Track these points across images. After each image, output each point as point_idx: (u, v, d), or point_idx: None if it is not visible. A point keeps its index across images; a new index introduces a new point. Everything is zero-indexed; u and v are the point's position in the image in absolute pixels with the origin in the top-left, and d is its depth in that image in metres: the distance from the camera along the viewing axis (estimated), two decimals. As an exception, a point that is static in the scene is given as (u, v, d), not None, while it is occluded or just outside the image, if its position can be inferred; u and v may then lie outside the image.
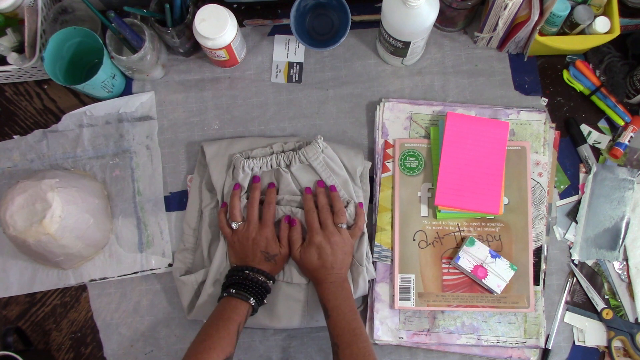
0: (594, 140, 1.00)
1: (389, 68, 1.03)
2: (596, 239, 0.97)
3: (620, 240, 0.97)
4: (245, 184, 0.94)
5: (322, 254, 0.88)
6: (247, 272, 0.88)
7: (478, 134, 0.95)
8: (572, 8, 0.93)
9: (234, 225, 0.92)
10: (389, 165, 0.98)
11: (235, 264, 0.92)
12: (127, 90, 1.03)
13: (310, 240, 0.90)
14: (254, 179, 0.94)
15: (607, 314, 0.95)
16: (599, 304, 0.95)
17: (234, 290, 0.85)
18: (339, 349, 0.81)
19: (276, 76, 1.03)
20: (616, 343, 0.94)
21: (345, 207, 0.93)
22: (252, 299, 0.85)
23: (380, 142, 0.99)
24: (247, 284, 0.86)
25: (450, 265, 0.95)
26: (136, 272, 0.98)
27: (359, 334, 0.82)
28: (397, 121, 0.99)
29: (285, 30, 1.04)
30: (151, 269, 0.98)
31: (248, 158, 0.95)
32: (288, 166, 0.94)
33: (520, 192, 0.96)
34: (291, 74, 1.03)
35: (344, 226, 0.91)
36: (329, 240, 0.89)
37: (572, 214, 0.98)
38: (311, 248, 0.89)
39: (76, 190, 0.93)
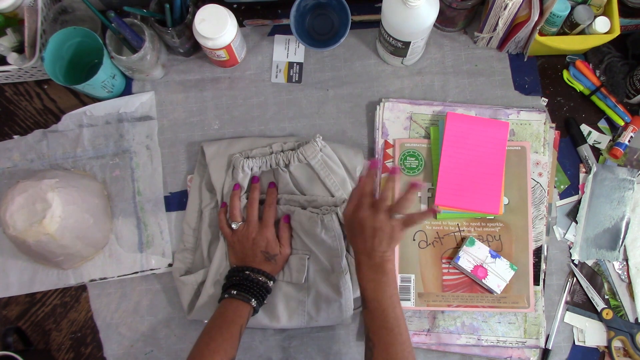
0: (594, 140, 1.00)
1: (389, 68, 1.03)
2: (596, 239, 0.97)
3: (620, 240, 0.97)
4: (245, 184, 0.94)
5: (364, 232, 0.79)
6: (247, 272, 0.88)
7: (478, 134, 0.95)
8: (572, 8, 0.93)
9: (234, 226, 0.92)
10: (389, 165, 0.98)
11: (235, 265, 0.92)
12: (127, 90, 1.03)
13: (356, 212, 0.80)
14: (253, 179, 0.94)
15: (607, 314, 0.95)
16: (599, 304, 0.95)
17: (235, 292, 0.85)
18: (375, 348, 0.76)
19: (276, 76, 1.03)
20: (616, 343, 0.95)
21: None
22: (253, 300, 0.85)
23: (380, 142, 0.99)
24: (247, 284, 0.86)
25: (450, 265, 0.95)
26: (136, 272, 0.98)
27: (398, 332, 0.76)
28: (397, 121, 0.99)
29: (285, 30, 1.04)
30: (151, 269, 0.98)
31: (247, 158, 0.95)
32: (287, 165, 0.94)
33: (520, 192, 0.96)
34: (291, 74, 1.03)
35: (398, 216, 0.80)
36: (374, 221, 0.78)
37: (572, 214, 0.98)
38: (355, 220, 0.80)
39: (76, 190, 0.93)
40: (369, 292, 0.78)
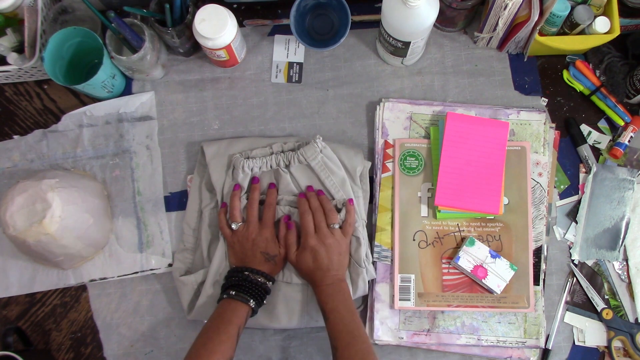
0: (594, 140, 1.00)
1: (389, 68, 1.03)
2: (596, 239, 0.97)
3: (620, 240, 0.97)
4: (245, 185, 0.94)
5: (317, 257, 0.88)
6: (246, 273, 0.88)
7: (478, 134, 0.95)
8: (572, 8, 0.93)
9: (233, 226, 0.92)
10: (389, 165, 0.98)
11: (234, 265, 0.92)
12: (127, 90, 1.03)
13: (305, 244, 0.89)
14: (253, 180, 0.94)
15: (607, 314, 0.95)
16: (599, 304, 0.95)
17: (233, 292, 0.85)
18: (337, 352, 0.80)
19: (276, 76, 1.03)
20: (616, 343, 0.95)
21: (342, 207, 0.93)
22: (252, 300, 0.85)
23: (380, 142, 0.99)
24: (246, 285, 0.86)
25: (450, 265, 0.95)
26: (136, 272, 0.98)
27: (357, 335, 0.81)
28: (397, 121, 0.99)
29: (285, 30, 1.04)
30: (151, 269, 0.97)
31: (248, 158, 0.95)
32: (287, 166, 0.94)
33: (520, 192, 0.96)
34: (291, 74, 1.03)
35: (337, 226, 0.91)
36: (323, 243, 0.89)
37: (572, 214, 0.98)
38: (306, 252, 0.89)
39: (76, 190, 0.93)
40: (328, 305, 0.85)
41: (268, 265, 0.90)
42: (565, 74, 1.02)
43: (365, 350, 0.80)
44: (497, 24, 0.94)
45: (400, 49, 0.95)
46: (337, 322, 0.83)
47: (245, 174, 0.94)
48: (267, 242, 0.90)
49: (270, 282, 0.89)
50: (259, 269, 0.89)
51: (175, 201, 1.00)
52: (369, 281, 0.94)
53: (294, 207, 0.94)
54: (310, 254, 0.88)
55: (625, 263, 0.96)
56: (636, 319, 0.95)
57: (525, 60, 1.02)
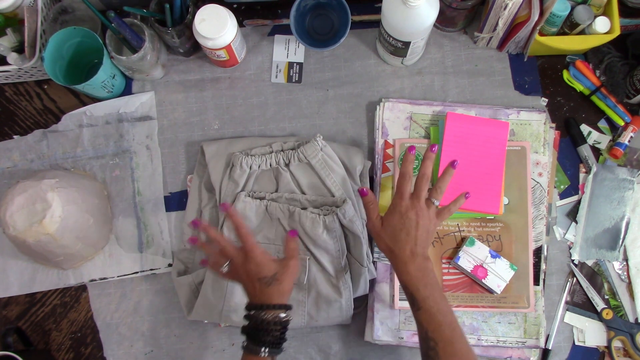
0: (594, 140, 1.00)
1: (389, 68, 1.03)
2: (596, 239, 0.97)
3: (620, 240, 0.97)
4: (242, 182, 0.94)
5: (406, 224, 0.80)
6: (252, 312, 0.78)
7: (478, 134, 0.95)
8: (572, 8, 0.93)
9: (224, 269, 0.83)
10: (389, 165, 0.98)
11: (248, 302, 0.81)
12: (127, 90, 1.04)
13: (396, 206, 0.82)
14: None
15: (607, 314, 0.95)
16: (599, 304, 0.95)
17: (245, 342, 0.77)
18: (437, 346, 0.74)
19: (276, 76, 1.03)
20: (616, 343, 0.95)
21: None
22: (263, 348, 0.75)
23: (380, 142, 0.99)
24: (257, 328, 0.76)
25: (450, 265, 0.95)
26: (136, 272, 0.98)
27: (457, 326, 0.76)
28: (397, 121, 0.99)
29: (285, 30, 1.04)
30: (151, 269, 0.98)
31: (247, 156, 0.94)
32: (287, 165, 0.94)
33: (520, 192, 0.96)
34: (291, 74, 1.03)
35: (437, 203, 0.84)
36: (415, 210, 0.81)
37: (572, 214, 0.98)
38: (394, 215, 0.82)
39: (76, 190, 0.93)
40: (421, 291, 0.78)
41: (271, 289, 0.78)
42: (565, 74, 1.02)
43: (467, 344, 0.74)
44: (497, 24, 0.94)
45: (400, 49, 0.95)
46: (434, 313, 0.76)
47: (243, 170, 0.93)
48: (258, 265, 0.79)
49: (283, 311, 0.77)
50: (265, 302, 0.77)
51: (175, 201, 1.00)
52: (369, 281, 0.94)
53: (293, 205, 0.94)
54: (400, 218, 0.81)
55: (625, 263, 0.96)
56: (636, 319, 0.95)
57: (525, 60, 1.02)
